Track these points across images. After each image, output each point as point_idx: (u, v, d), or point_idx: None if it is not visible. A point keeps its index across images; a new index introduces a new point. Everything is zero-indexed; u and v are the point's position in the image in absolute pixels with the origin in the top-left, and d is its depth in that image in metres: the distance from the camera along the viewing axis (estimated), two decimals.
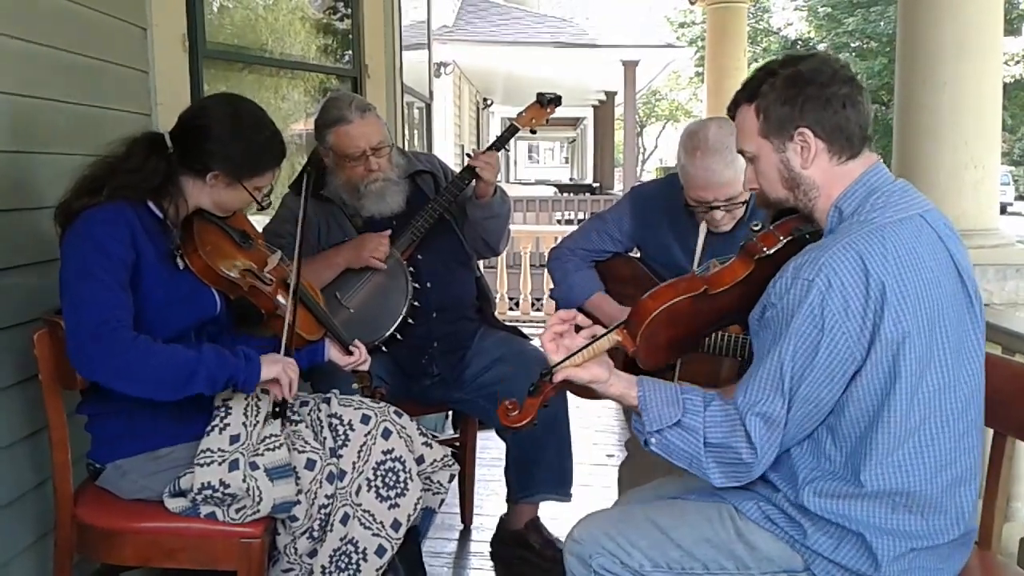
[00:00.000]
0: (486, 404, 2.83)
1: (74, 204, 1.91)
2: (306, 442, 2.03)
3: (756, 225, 1.74)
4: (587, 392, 2.65)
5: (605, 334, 1.66)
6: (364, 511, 2.01)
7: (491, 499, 3.30)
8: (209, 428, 1.96)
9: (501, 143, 2.86)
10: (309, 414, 2.13)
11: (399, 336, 2.71)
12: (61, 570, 1.97)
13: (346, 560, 1.99)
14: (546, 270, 2.81)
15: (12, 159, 2.09)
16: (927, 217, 1.57)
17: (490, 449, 3.44)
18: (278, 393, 1.98)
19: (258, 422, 1.99)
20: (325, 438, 2.06)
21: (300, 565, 1.99)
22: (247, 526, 1.92)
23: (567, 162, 41.76)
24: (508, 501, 2.95)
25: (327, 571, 1.99)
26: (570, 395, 2.78)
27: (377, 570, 2.01)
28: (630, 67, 13.18)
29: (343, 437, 2.07)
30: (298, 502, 1.94)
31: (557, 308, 2.77)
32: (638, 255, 2.69)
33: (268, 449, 1.95)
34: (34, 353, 1.90)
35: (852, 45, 23.59)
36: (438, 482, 2.23)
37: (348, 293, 2.70)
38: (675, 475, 1.96)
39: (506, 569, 2.93)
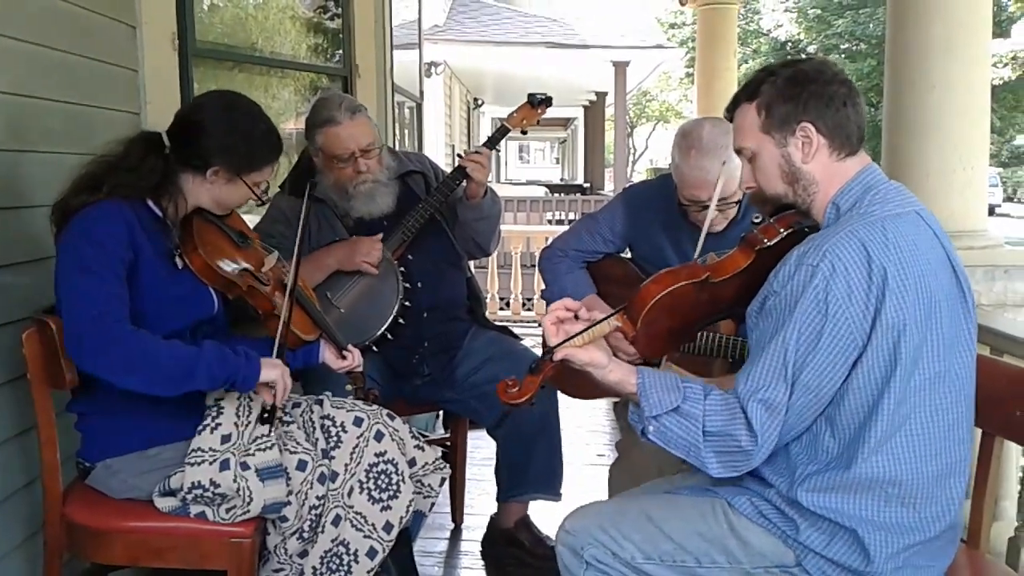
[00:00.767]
0: (477, 404, 2.84)
1: (72, 202, 1.91)
2: (298, 443, 2.02)
3: (757, 218, 1.76)
4: (582, 391, 2.66)
5: (605, 318, 1.66)
6: (356, 513, 2.01)
7: (482, 499, 3.30)
8: (200, 427, 1.96)
9: (492, 143, 2.86)
10: (301, 415, 2.13)
11: (390, 336, 2.70)
12: (50, 569, 1.97)
13: (337, 561, 1.99)
14: (537, 270, 2.80)
15: (1, 157, 2.08)
16: (922, 215, 1.61)
17: (481, 449, 3.44)
18: (268, 398, 1.97)
19: (250, 422, 1.99)
20: (317, 439, 2.06)
21: (290, 565, 1.99)
22: (237, 526, 1.92)
23: (558, 162, 41.78)
24: (498, 500, 2.95)
25: (318, 572, 1.98)
26: (561, 396, 2.79)
27: (368, 572, 2.01)
28: (620, 68, 13.19)
29: (335, 439, 2.07)
30: (288, 503, 1.94)
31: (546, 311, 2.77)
32: (630, 256, 2.70)
33: (259, 449, 1.94)
34: (23, 352, 1.90)
35: (842, 47, 23.67)
36: (429, 485, 2.24)
37: (339, 293, 2.70)
38: (666, 477, 1.97)
39: (497, 568, 2.93)
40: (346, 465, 2.04)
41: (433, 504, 2.28)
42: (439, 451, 2.27)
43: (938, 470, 1.57)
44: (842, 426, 1.57)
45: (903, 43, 3.36)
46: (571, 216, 12.73)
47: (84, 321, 1.79)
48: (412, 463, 2.15)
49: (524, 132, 2.94)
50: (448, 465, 2.31)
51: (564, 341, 1.63)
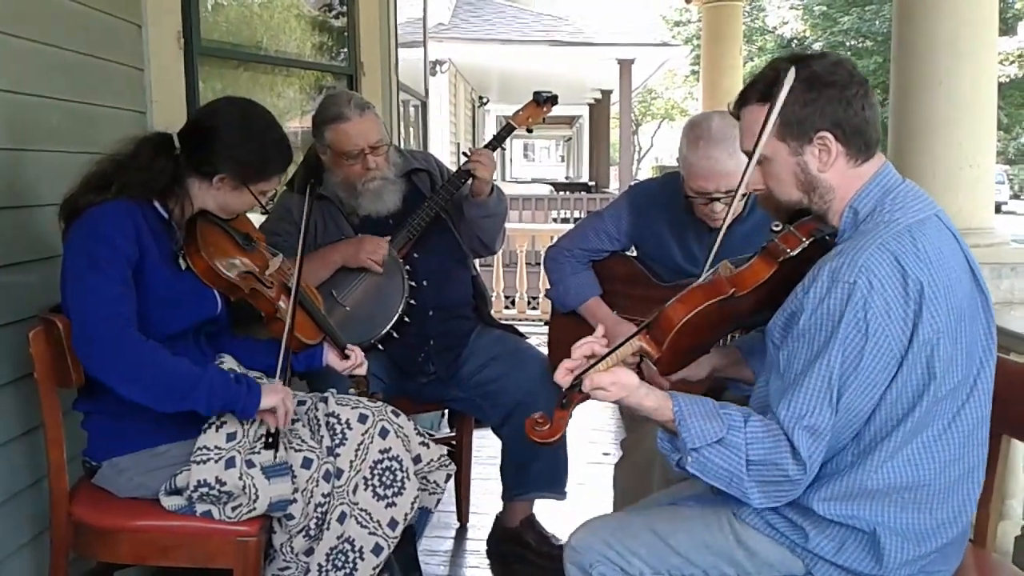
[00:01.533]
0: (482, 402, 2.84)
1: (80, 200, 1.92)
2: (303, 441, 2.02)
3: (776, 226, 1.70)
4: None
5: (627, 340, 1.62)
6: (361, 510, 2.01)
7: (487, 497, 3.29)
8: (206, 426, 1.96)
9: (497, 142, 2.86)
10: (306, 413, 2.13)
11: (395, 334, 2.71)
12: (57, 568, 1.97)
13: (342, 559, 1.99)
14: (542, 269, 2.80)
15: (7, 157, 2.08)
16: (941, 217, 1.57)
17: (486, 447, 3.43)
18: (272, 423, 1.96)
19: (255, 420, 1.99)
20: (322, 437, 2.06)
21: (296, 563, 1.99)
22: (243, 524, 1.92)
23: (563, 160, 41.74)
24: (503, 499, 2.95)
25: (323, 569, 1.98)
26: None
27: (374, 569, 2.01)
28: (626, 65, 13.16)
29: (340, 436, 2.07)
30: (294, 500, 1.94)
31: (552, 308, 2.77)
32: (635, 253, 2.69)
33: (264, 447, 1.94)
34: (30, 351, 1.90)
35: (847, 44, 23.60)
36: (434, 482, 2.23)
37: (344, 291, 2.70)
38: (669, 490, 1.95)
39: (502, 567, 2.93)
40: (351, 462, 2.04)
41: (438, 501, 2.27)
42: (444, 448, 2.27)
43: (957, 475, 1.55)
44: (867, 439, 1.53)
45: (909, 40, 3.34)
46: (576, 214, 12.72)
47: (94, 323, 1.80)
48: (417, 460, 2.15)
49: (529, 130, 2.94)
50: (453, 463, 2.30)
51: (587, 368, 1.57)
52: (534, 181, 23.98)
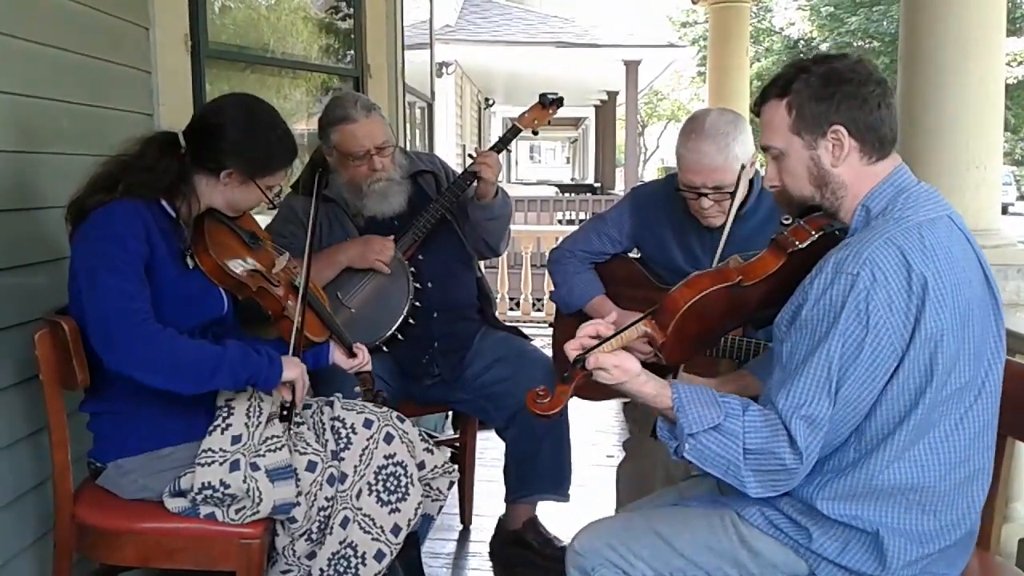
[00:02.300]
0: (486, 404, 2.83)
1: (87, 201, 1.92)
2: (308, 444, 2.03)
3: (787, 219, 1.72)
4: (596, 393, 2.65)
5: (632, 324, 1.63)
6: (364, 515, 2.01)
7: (491, 499, 3.29)
8: (211, 428, 1.96)
9: (503, 144, 2.86)
10: (311, 416, 2.13)
11: (400, 336, 2.71)
12: (60, 570, 1.97)
13: (345, 564, 1.99)
14: (547, 271, 2.80)
15: (14, 159, 2.09)
16: (953, 219, 1.58)
17: (490, 449, 3.43)
18: (287, 396, 1.98)
19: (260, 423, 1.99)
20: (327, 441, 2.06)
21: (299, 567, 1.99)
22: (246, 527, 1.92)
23: (568, 162, 41.75)
24: (506, 501, 2.94)
25: (325, 574, 1.98)
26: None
27: (376, 574, 2.01)
28: (632, 67, 13.16)
29: (345, 440, 2.07)
30: (298, 504, 1.94)
31: (557, 310, 2.77)
32: (638, 255, 2.69)
33: (269, 450, 1.95)
34: (35, 353, 1.90)
35: (855, 44, 23.54)
36: (438, 488, 2.24)
37: (349, 293, 2.70)
38: (674, 488, 1.95)
39: (505, 570, 2.93)
40: (355, 467, 2.04)
41: (441, 507, 2.28)
42: (448, 454, 2.27)
43: (962, 477, 1.55)
44: (870, 436, 1.53)
45: (917, 41, 3.33)
46: (582, 216, 12.69)
47: (113, 320, 1.81)
48: (421, 466, 2.15)
49: (535, 132, 2.94)
50: (457, 466, 2.30)
51: (593, 347, 1.59)
52: (540, 183, 23.97)
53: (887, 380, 1.49)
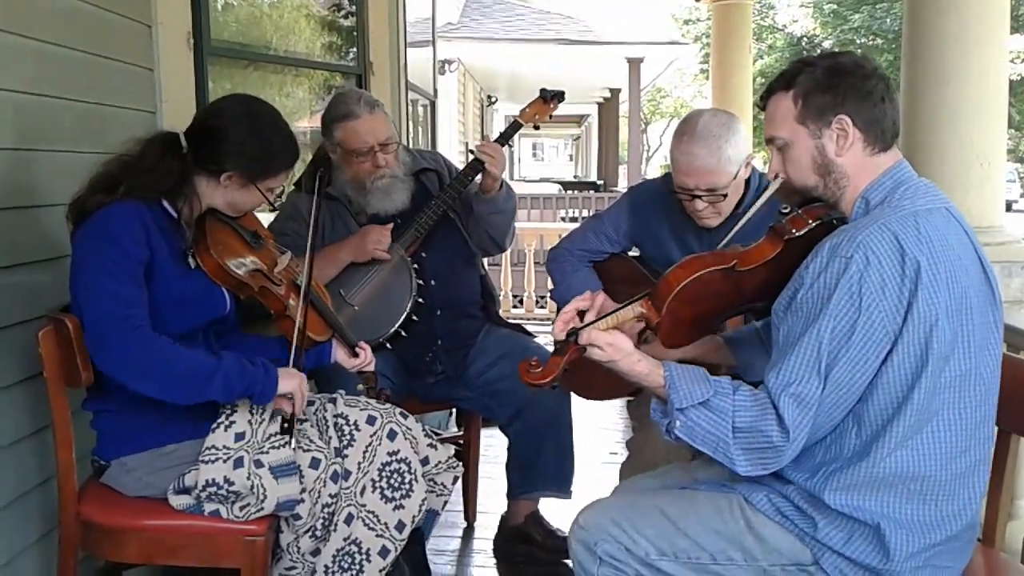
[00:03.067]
0: (490, 401, 2.84)
1: (88, 201, 1.92)
2: (311, 441, 2.03)
3: (785, 208, 1.73)
4: (597, 391, 2.66)
5: (628, 303, 1.64)
6: (368, 512, 2.01)
7: (494, 496, 3.29)
8: (214, 425, 1.97)
9: (505, 138, 2.86)
10: (315, 413, 2.13)
11: (403, 333, 2.71)
12: (65, 567, 1.97)
13: (349, 560, 1.99)
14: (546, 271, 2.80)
15: (17, 157, 2.09)
16: (951, 211, 1.60)
17: (493, 447, 3.43)
18: (287, 408, 1.98)
19: (264, 420, 1.99)
20: (330, 437, 2.06)
21: (303, 564, 1.99)
22: (251, 524, 1.92)
23: (571, 159, 41.70)
24: (508, 497, 2.95)
25: (330, 570, 1.99)
26: (574, 394, 2.79)
27: (380, 571, 2.01)
28: (635, 64, 13.16)
29: (348, 437, 2.07)
30: (302, 500, 1.94)
31: (558, 309, 2.77)
32: (637, 254, 2.69)
33: (273, 447, 1.95)
34: (39, 351, 1.91)
35: (858, 42, 23.50)
36: (442, 484, 2.24)
37: (353, 290, 2.70)
38: (682, 465, 1.96)
39: (509, 566, 2.93)
40: (359, 464, 2.04)
41: (446, 503, 2.28)
42: (452, 449, 2.28)
43: (963, 467, 1.56)
44: (869, 422, 1.55)
45: (919, 38, 3.33)
46: (585, 213, 12.69)
47: (107, 323, 1.80)
48: (425, 462, 2.15)
49: (536, 127, 2.94)
50: (461, 463, 2.31)
51: (588, 324, 1.61)
52: (543, 180, 23.99)
53: (880, 363, 1.52)
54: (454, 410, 3.85)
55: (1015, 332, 2.50)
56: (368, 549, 2.00)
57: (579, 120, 27.17)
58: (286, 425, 1.98)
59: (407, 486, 2.05)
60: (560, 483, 2.86)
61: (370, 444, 2.06)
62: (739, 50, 8.35)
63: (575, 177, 27.93)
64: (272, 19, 3.93)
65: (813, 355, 1.51)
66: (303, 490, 1.95)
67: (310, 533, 1.97)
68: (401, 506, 2.04)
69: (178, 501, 1.93)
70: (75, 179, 1.97)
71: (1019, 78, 22.43)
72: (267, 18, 3.90)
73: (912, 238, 1.50)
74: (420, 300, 2.72)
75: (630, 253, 2.70)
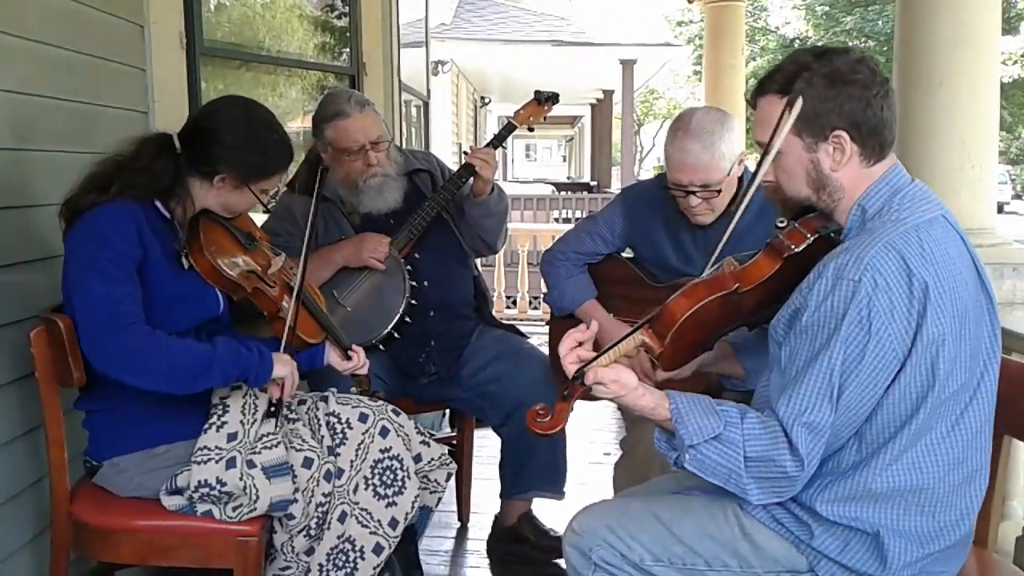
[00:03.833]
0: (483, 402, 2.83)
1: (81, 201, 1.92)
2: (304, 440, 2.03)
3: (781, 222, 1.70)
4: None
5: (629, 334, 1.62)
6: (362, 509, 2.01)
7: (488, 497, 3.29)
8: (206, 426, 1.96)
9: (499, 141, 2.85)
10: (307, 412, 2.13)
11: (396, 334, 2.71)
12: (57, 568, 1.97)
13: (343, 558, 1.99)
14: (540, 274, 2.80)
15: (9, 156, 2.08)
16: (948, 218, 1.57)
17: (487, 447, 3.43)
18: (275, 393, 1.98)
19: (255, 420, 1.99)
20: (323, 436, 2.06)
21: (297, 563, 1.99)
22: (244, 524, 1.92)
23: (565, 160, 41.75)
24: (501, 497, 2.94)
25: (324, 569, 1.99)
26: None
27: (374, 568, 2.01)
28: (628, 66, 13.17)
29: (341, 435, 2.07)
30: (295, 500, 1.94)
31: (551, 313, 2.77)
32: (631, 255, 2.69)
33: (265, 447, 1.95)
34: (31, 351, 1.90)
35: (850, 44, 23.59)
36: (435, 481, 2.24)
37: (345, 292, 2.70)
38: (674, 475, 1.95)
39: (502, 566, 2.93)
40: (351, 462, 2.04)
41: (439, 500, 2.28)
42: (444, 446, 2.27)
43: (961, 478, 1.55)
44: (871, 439, 1.53)
45: (911, 40, 3.34)
46: (578, 214, 12.71)
47: (99, 322, 1.80)
48: (418, 459, 2.15)
49: (531, 129, 2.94)
50: (454, 462, 2.30)
51: (590, 362, 1.57)
52: (536, 181, 23.97)
53: (888, 385, 1.49)
54: (447, 411, 3.85)
55: (1007, 334, 2.49)
56: (362, 547, 2.00)
57: (572, 121, 27.19)
58: (273, 409, 1.99)
59: (400, 483, 2.05)
60: (553, 483, 2.86)
61: (362, 442, 2.06)
62: (732, 52, 8.36)
63: (568, 178, 27.95)
64: (265, 19, 3.93)
65: (825, 383, 1.47)
66: (296, 490, 1.94)
67: (304, 532, 1.97)
68: (394, 503, 2.04)
69: (170, 502, 1.92)
70: (66, 179, 1.96)
71: (1010, 80, 22.53)
72: (260, 18, 3.90)
73: (917, 256, 1.47)
74: (413, 302, 2.72)
75: (624, 254, 2.70)
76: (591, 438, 4.31)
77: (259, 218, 2.58)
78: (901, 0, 3.43)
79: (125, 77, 2.59)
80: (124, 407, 1.95)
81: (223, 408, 1.99)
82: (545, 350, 2.90)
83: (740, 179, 2.39)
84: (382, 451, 2.06)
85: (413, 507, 2.06)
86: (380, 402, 2.17)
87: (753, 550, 1.61)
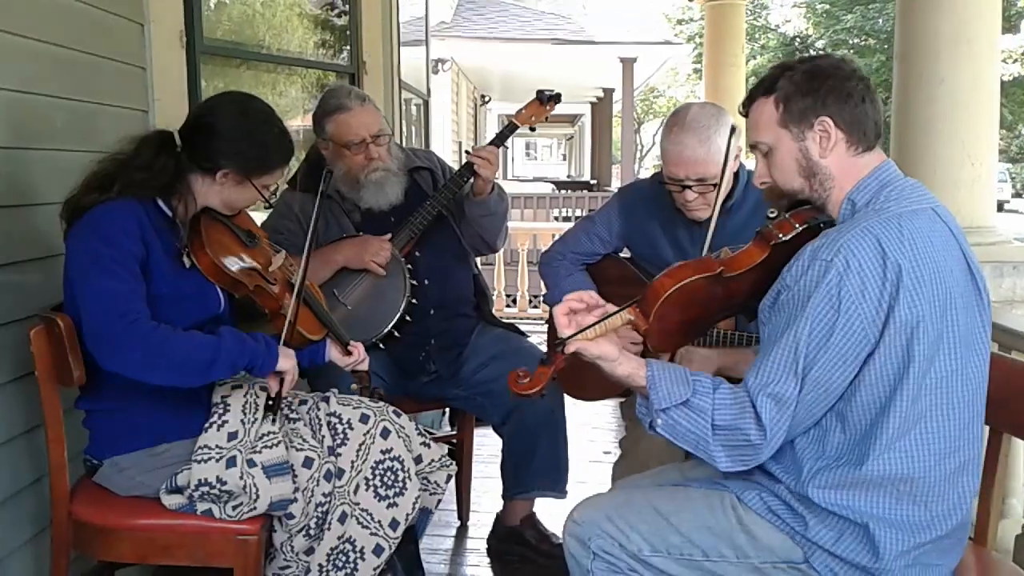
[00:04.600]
0: (483, 401, 2.83)
1: (83, 200, 1.92)
2: (304, 440, 2.03)
3: (772, 213, 1.75)
4: (588, 392, 2.66)
5: (617, 311, 1.65)
6: (362, 510, 2.02)
7: (488, 496, 3.30)
8: (207, 425, 1.96)
9: (500, 140, 2.85)
10: (308, 412, 2.13)
11: (397, 333, 2.70)
12: (57, 567, 1.97)
13: (343, 559, 1.99)
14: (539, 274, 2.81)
15: (8, 155, 2.09)
16: (938, 211, 1.61)
17: (487, 446, 3.43)
18: (274, 387, 1.98)
19: (256, 419, 1.99)
20: (324, 436, 2.06)
21: (297, 563, 1.99)
22: (244, 523, 1.92)
23: (565, 159, 41.74)
24: (503, 497, 2.94)
25: (324, 569, 1.99)
26: (566, 394, 2.79)
27: (374, 569, 2.01)
28: (628, 64, 13.17)
29: (342, 436, 2.07)
30: (295, 500, 1.94)
31: (550, 313, 2.77)
32: (628, 255, 2.69)
33: (266, 446, 1.95)
34: (31, 350, 1.90)
35: (850, 42, 23.56)
36: (435, 482, 2.24)
37: (346, 290, 2.70)
38: (676, 465, 1.97)
39: (503, 566, 2.93)
40: (352, 462, 2.04)
41: (439, 501, 2.28)
42: (445, 448, 2.28)
43: (952, 468, 1.57)
44: (853, 422, 1.56)
45: (912, 38, 3.34)
46: (578, 213, 12.71)
47: (105, 321, 1.80)
48: (418, 460, 2.15)
49: (532, 128, 2.94)
50: (454, 461, 2.31)
51: (576, 333, 1.62)
52: (536, 179, 23.98)
53: (861, 364, 1.53)
54: (448, 410, 3.85)
55: (1007, 332, 2.50)
56: (362, 547, 2.00)
57: (572, 120, 27.19)
58: (271, 403, 1.99)
59: (400, 484, 2.05)
60: (554, 483, 2.86)
61: (363, 443, 2.06)
62: (732, 50, 8.37)
63: (568, 177, 27.96)
64: (265, 18, 3.93)
65: (790, 356, 1.53)
66: (296, 489, 1.94)
67: (304, 532, 1.97)
68: (395, 504, 2.04)
69: (171, 500, 1.93)
70: (66, 178, 1.97)
71: (1011, 78, 22.52)
72: (260, 17, 3.90)
73: (894, 241, 1.51)
74: (414, 300, 2.72)
75: (622, 254, 2.70)
76: (590, 437, 4.31)
77: (259, 217, 2.58)
78: None
79: (125, 76, 2.59)
80: (124, 406, 1.95)
81: (224, 407, 1.99)
82: (545, 349, 2.90)
83: (736, 175, 2.40)
84: (383, 452, 2.06)
85: (414, 508, 2.06)
86: (381, 403, 2.17)
87: (750, 541, 1.64)
